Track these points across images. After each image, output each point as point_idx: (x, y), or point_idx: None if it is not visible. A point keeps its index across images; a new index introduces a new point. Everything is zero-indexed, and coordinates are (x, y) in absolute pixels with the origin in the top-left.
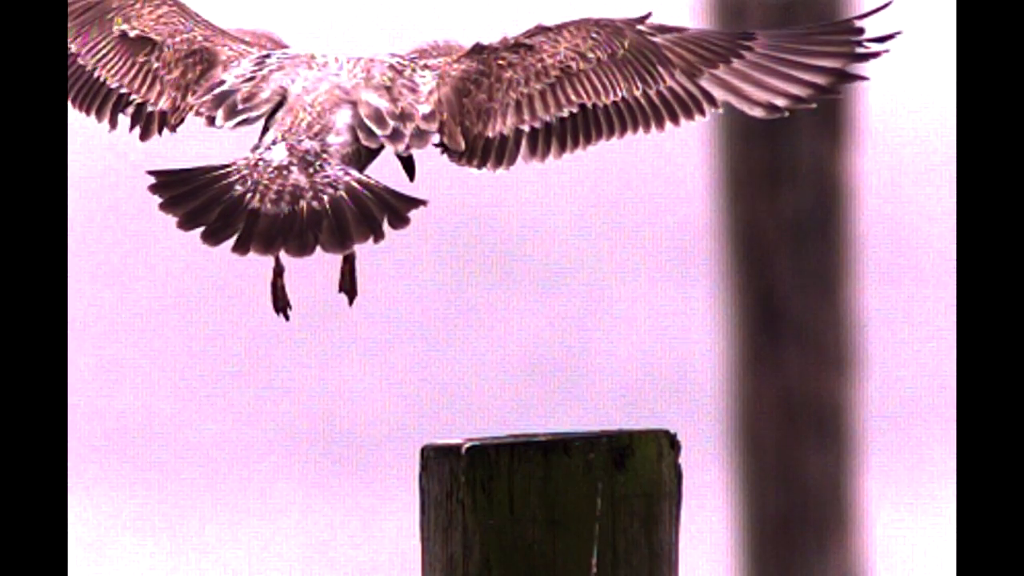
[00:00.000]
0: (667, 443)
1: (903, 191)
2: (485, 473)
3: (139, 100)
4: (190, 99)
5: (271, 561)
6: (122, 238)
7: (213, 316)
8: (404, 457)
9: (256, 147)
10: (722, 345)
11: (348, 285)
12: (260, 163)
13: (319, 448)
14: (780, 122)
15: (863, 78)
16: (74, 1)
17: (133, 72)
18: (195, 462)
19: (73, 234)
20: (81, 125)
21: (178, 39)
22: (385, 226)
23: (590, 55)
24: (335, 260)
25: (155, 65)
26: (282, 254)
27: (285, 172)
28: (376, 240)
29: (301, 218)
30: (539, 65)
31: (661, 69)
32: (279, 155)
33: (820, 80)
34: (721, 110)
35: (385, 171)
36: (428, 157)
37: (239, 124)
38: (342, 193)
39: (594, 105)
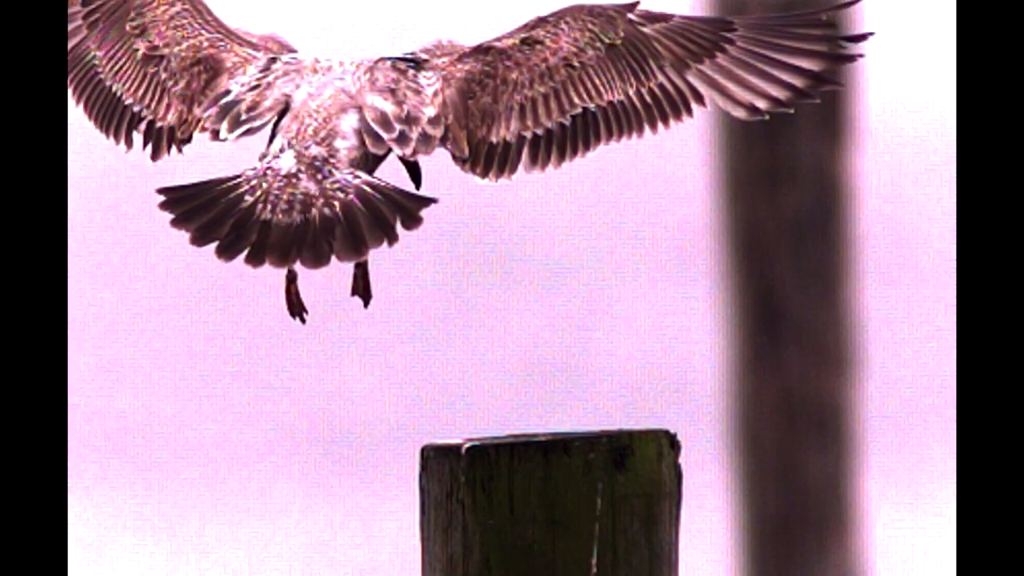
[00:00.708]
0: (667, 443)
1: (903, 191)
2: (485, 473)
3: (150, 117)
4: (196, 111)
5: (271, 561)
6: (122, 238)
7: (213, 316)
8: (404, 457)
9: (264, 155)
10: (722, 345)
11: (362, 288)
12: (269, 172)
13: (319, 448)
14: (780, 122)
15: (839, 84)
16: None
17: (144, 85)
18: (195, 462)
19: (73, 234)
20: (81, 125)
21: (184, 46)
22: (398, 227)
23: (589, 51)
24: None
25: (163, 76)
26: (297, 265)
27: (294, 180)
28: (391, 243)
29: (314, 226)
30: (543, 66)
31: (652, 63)
32: (287, 163)
33: (798, 82)
34: (707, 107)
35: (390, 173)
36: (428, 157)
37: (243, 135)
38: (353, 197)
39: (594, 108)
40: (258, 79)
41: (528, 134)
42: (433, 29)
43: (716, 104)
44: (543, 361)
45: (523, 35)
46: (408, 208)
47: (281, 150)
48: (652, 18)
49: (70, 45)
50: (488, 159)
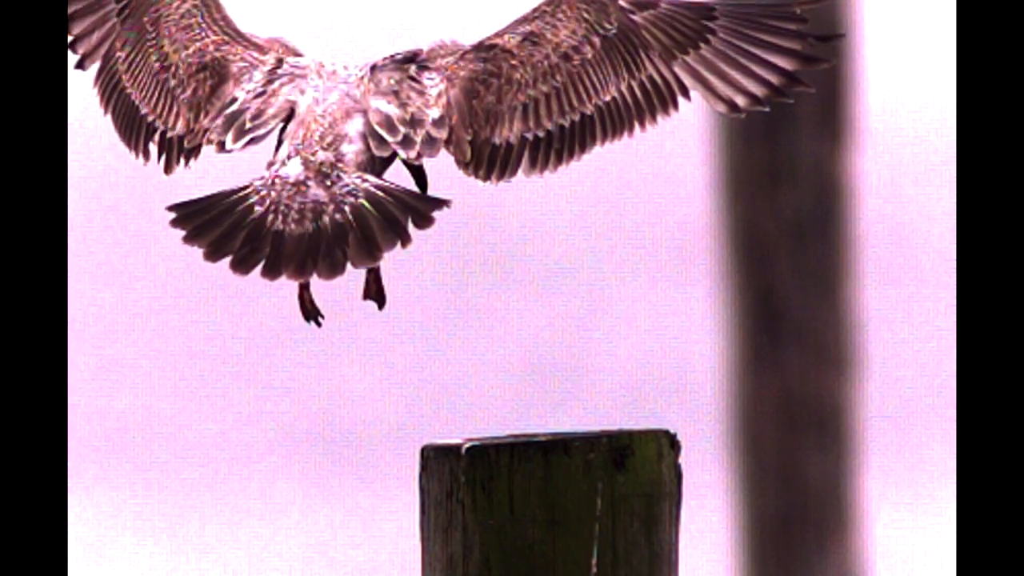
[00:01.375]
0: (667, 443)
1: (903, 191)
2: (485, 473)
3: (162, 127)
4: (204, 121)
5: (271, 561)
6: (122, 238)
7: (213, 316)
8: (404, 457)
9: (271, 163)
10: (722, 345)
11: (375, 292)
12: (277, 180)
13: (319, 448)
14: (780, 122)
15: (808, 87)
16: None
17: (157, 93)
18: (195, 462)
19: (73, 234)
20: (81, 125)
21: (190, 50)
22: (411, 228)
23: (586, 46)
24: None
25: (172, 84)
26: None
27: (303, 187)
28: (404, 245)
29: (327, 234)
30: (545, 63)
31: (643, 54)
32: (295, 170)
33: (774, 79)
34: (690, 100)
35: (398, 178)
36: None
37: (248, 144)
38: (363, 201)
39: (591, 109)
40: (263, 85)
41: (530, 135)
42: (433, 29)
43: (698, 99)
44: (543, 361)
45: (523, 29)
46: (419, 209)
47: (288, 157)
48: (641, 4)
49: (103, 46)
50: (491, 160)
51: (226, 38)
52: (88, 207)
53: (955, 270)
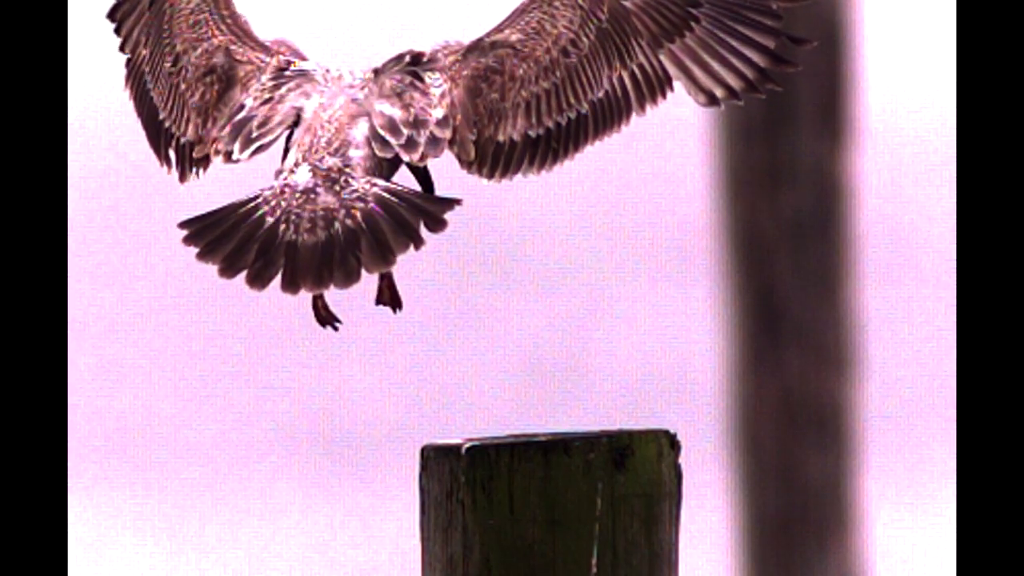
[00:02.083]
0: (667, 443)
1: (903, 191)
2: (485, 473)
3: (177, 133)
4: (213, 131)
5: (271, 561)
6: (122, 238)
7: (213, 316)
8: (404, 457)
9: (279, 171)
10: (722, 345)
11: (388, 298)
12: (286, 189)
13: (319, 448)
14: (780, 122)
15: (778, 85)
16: None
17: (171, 96)
18: (195, 462)
19: (73, 234)
20: (81, 125)
21: (199, 51)
22: (423, 231)
23: (583, 37)
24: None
25: (183, 88)
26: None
27: (312, 195)
28: (417, 247)
29: (339, 241)
30: (546, 59)
31: (634, 42)
32: (303, 177)
33: (749, 73)
34: (673, 91)
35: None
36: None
37: (255, 152)
38: (373, 205)
39: (586, 107)
40: (270, 91)
41: (533, 133)
42: (433, 29)
43: (681, 90)
44: (543, 361)
45: (523, 22)
46: (430, 211)
47: (296, 164)
48: None
49: (134, 39)
50: (495, 159)
51: (233, 37)
52: (88, 207)
53: (955, 270)
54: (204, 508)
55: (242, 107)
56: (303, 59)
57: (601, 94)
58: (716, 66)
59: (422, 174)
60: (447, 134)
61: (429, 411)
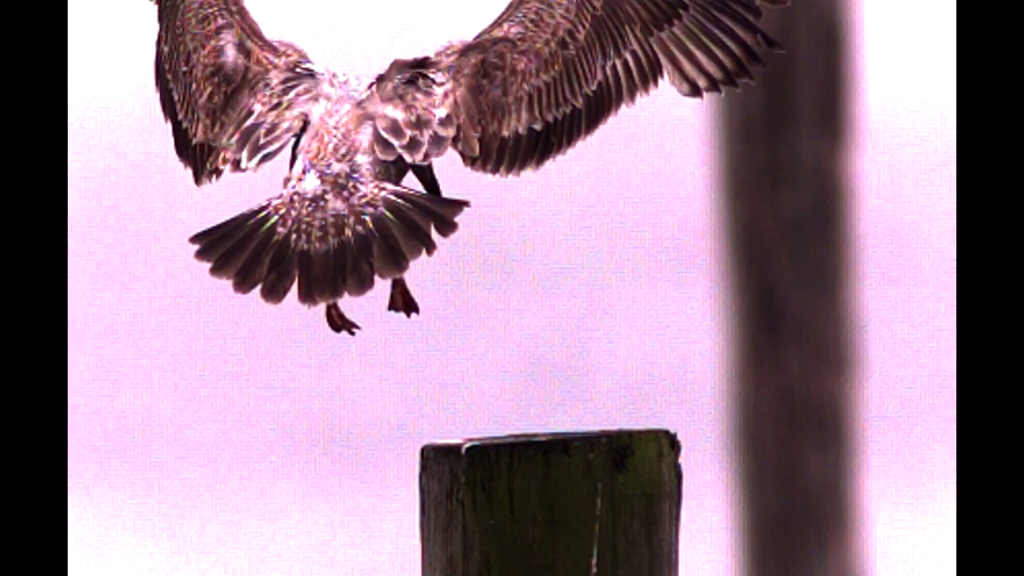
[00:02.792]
0: (667, 443)
1: (903, 191)
2: (485, 473)
3: (190, 134)
4: (223, 138)
5: (271, 561)
6: (122, 238)
7: (213, 316)
8: (404, 457)
9: (287, 179)
10: (722, 345)
11: (402, 303)
12: (295, 198)
13: (319, 448)
14: (780, 122)
15: (752, 80)
16: None
17: (184, 95)
18: (195, 462)
19: (73, 234)
20: (81, 125)
21: (207, 49)
22: (434, 234)
23: (579, 28)
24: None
25: (193, 87)
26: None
27: (322, 202)
28: (429, 252)
29: (351, 248)
30: (546, 51)
31: (627, 29)
32: (311, 184)
33: (729, 65)
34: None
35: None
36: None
37: (262, 161)
38: (383, 210)
39: (587, 92)
40: (279, 95)
41: (537, 125)
42: (433, 29)
43: (666, 78)
44: (543, 361)
45: (520, 14)
46: (440, 214)
47: (304, 172)
48: None
49: (157, 39)
50: (499, 154)
51: (242, 34)
52: (88, 207)
53: (955, 270)
54: (204, 508)
55: (250, 113)
56: (310, 63)
57: (595, 84)
58: (700, 56)
59: (428, 179)
60: (450, 132)
61: (429, 411)
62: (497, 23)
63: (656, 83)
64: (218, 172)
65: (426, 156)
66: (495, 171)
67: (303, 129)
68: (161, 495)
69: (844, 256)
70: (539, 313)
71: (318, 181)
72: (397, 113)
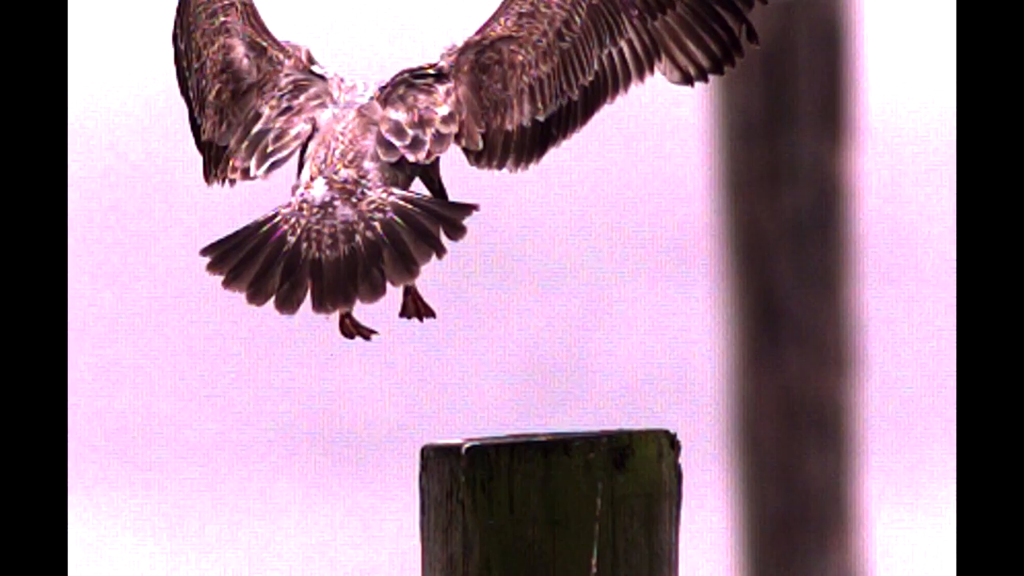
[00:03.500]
0: (667, 443)
1: (903, 191)
2: (485, 473)
3: (201, 130)
4: (229, 137)
5: (271, 561)
6: (122, 238)
7: (213, 316)
8: (404, 457)
9: (295, 187)
10: (722, 345)
11: (415, 309)
12: (304, 205)
13: (319, 448)
14: (780, 122)
15: (732, 66)
16: None
17: (196, 92)
18: (195, 462)
19: (73, 234)
20: (81, 125)
21: (216, 46)
22: (444, 239)
23: (576, 17)
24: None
25: (203, 83)
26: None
27: (330, 208)
28: (439, 256)
29: (361, 254)
30: (544, 42)
31: (623, 16)
32: (319, 191)
33: (718, 52)
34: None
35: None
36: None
37: (271, 169)
38: (392, 215)
39: (583, 83)
40: (288, 99)
41: (540, 116)
42: (433, 29)
43: (658, 67)
44: (543, 361)
45: (515, 7)
46: (449, 217)
47: (312, 178)
48: None
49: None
50: (505, 148)
51: (251, 31)
52: (88, 207)
53: (955, 270)
54: (204, 508)
55: (258, 115)
56: (320, 66)
57: (593, 74)
58: (692, 45)
59: (436, 184)
60: (453, 128)
61: (429, 411)
62: (494, 17)
63: (652, 70)
64: (230, 181)
65: (429, 154)
66: (501, 166)
67: (311, 136)
68: (161, 495)
69: (844, 256)
70: (539, 313)
71: (326, 188)
72: (400, 115)
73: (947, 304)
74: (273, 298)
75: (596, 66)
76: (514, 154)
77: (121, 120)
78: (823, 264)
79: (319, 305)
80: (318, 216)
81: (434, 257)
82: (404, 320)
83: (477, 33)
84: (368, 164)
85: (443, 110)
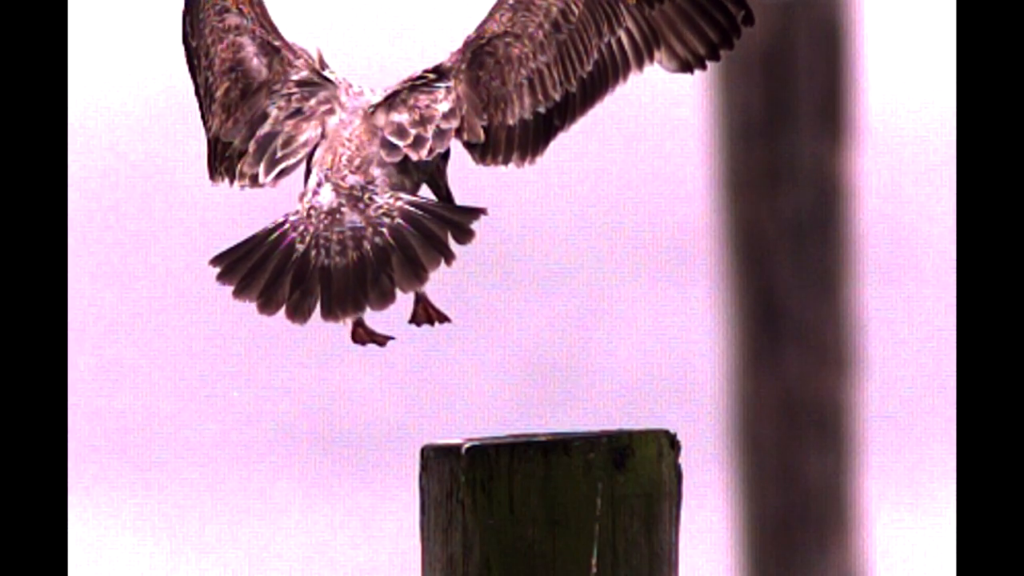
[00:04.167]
0: (667, 443)
1: (903, 191)
2: (485, 473)
3: (209, 125)
4: (234, 136)
5: (271, 561)
6: (122, 238)
7: (213, 316)
8: (404, 457)
9: (303, 194)
10: (722, 345)
11: (426, 316)
12: (312, 212)
13: (319, 448)
14: (780, 122)
15: (730, 49)
16: None
17: (204, 90)
18: (195, 462)
19: (73, 234)
20: (81, 125)
21: (224, 44)
22: (452, 243)
23: (573, 5)
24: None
25: (211, 80)
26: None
27: (338, 215)
28: (448, 262)
29: (370, 260)
30: (540, 34)
31: (621, 5)
32: (327, 197)
33: (715, 38)
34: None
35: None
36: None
37: (279, 176)
38: (399, 220)
39: (582, 74)
40: (298, 101)
41: (542, 109)
42: (433, 29)
43: (656, 56)
44: (543, 361)
45: (513, 2)
46: (457, 222)
47: (319, 185)
48: None
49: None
50: (509, 143)
51: (261, 30)
52: (88, 207)
53: (955, 270)
54: (204, 508)
55: (265, 116)
56: (329, 70)
57: (592, 64)
58: (688, 32)
59: (443, 190)
60: (453, 124)
61: (429, 411)
62: (491, 14)
63: (652, 59)
64: (239, 186)
65: (431, 150)
66: (507, 161)
67: (319, 142)
68: (161, 495)
69: (844, 256)
70: (539, 313)
71: (333, 194)
72: (401, 116)
73: (947, 304)
74: (284, 307)
75: (596, 56)
76: (519, 148)
77: (121, 120)
78: (823, 264)
79: (329, 313)
80: (326, 223)
81: (443, 262)
82: (404, 321)
83: (475, 31)
84: (375, 170)
85: (444, 106)
